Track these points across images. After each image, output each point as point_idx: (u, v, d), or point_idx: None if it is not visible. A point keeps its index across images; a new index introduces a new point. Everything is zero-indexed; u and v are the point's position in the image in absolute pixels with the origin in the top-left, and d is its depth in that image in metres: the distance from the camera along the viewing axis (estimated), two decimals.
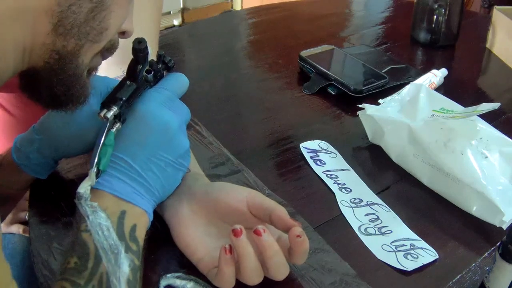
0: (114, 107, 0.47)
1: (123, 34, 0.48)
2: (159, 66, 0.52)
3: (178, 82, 0.53)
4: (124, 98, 0.47)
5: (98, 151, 0.46)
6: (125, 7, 0.45)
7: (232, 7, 3.20)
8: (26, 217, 0.85)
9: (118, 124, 0.47)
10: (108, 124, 0.47)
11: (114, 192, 0.45)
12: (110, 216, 0.44)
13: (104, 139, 0.46)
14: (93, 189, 0.45)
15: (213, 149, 0.68)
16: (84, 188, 0.44)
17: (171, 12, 2.92)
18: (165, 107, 0.49)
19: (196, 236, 0.49)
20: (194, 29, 1.23)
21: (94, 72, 0.48)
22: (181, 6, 2.96)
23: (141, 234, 0.46)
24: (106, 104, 0.47)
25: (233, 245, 0.45)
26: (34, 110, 0.57)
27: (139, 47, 0.49)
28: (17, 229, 0.84)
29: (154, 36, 0.74)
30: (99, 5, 0.41)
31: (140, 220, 0.46)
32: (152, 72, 0.51)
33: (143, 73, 0.50)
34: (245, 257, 0.45)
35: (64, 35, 0.40)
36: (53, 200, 0.59)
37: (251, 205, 0.49)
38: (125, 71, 0.51)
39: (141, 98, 0.50)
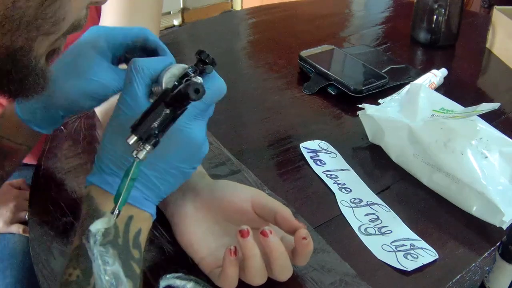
0: (147, 145, 0.40)
1: (95, 3, 0.43)
2: (199, 67, 0.45)
3: (215, 91, 0.46)
4: (158, 132, 0.41)
5: (124, 189, 0.40)
6: None
7: (232, 7, 3.20)
8: (26, 217, 0.85)
9: (149, 147, 0.41)
10: (135, 158, 0.40)
11: None
12: (117, 222, 0.41)
13: (132, 174, 0.40)
14: (103, 191, 0.43)
15: (213, 149, 0.68)
16: (97, 229, 0.40)
17: (171, 12, 2.92)
18: (195, 120, 0.45)
19: (199, 234, 0.49)
20: (194, 29, 1.23)
21: (56, 54, 0.43)
22: (181, 6, 2.96)
23: (144, 238, 0.45)
24: (138, 132, 0.40)
25: (239, 246, 0.44)
26: None
27: (196, 98, 0.39)
28: (17, 229, 0.84)
29: None
30: None
31: (145, 224, 0.45)
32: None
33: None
34: (251, 258, 0.44)
35: (11, 31, 0.36)
36: (53, 200, 0.59)
37: (256, 205, 0.49)
38: (189, 68, 0.45)
39: None
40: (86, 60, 0.49)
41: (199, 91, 0.39)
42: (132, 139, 0.40)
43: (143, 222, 0.45)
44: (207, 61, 0.45)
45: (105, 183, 0.43)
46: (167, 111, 0.41)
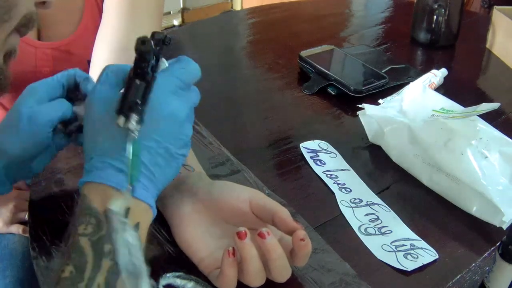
0: (134, 115, 0.42)
1: (43, 4, 0.44)
2: (157, 48, 0.47)
3: (187, 69, 0.48)
4: (139, 101, 0.43)
5: (130, 164, 0.42)
6: None
7: (232, 7, 3.19)
8: (26, 217, 0.85)
9: (136, 117, 0.43)
10: (130, 134, 0.42)
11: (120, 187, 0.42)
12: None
13: (133, 150, 0.42)
14: (96, 188, 0.42)
15: (213, 149, 0.68)
16: (118, 206, 0.40)
17: (171, 12, 2.92)
18: (174, 96, 0.46)
19: (197, 235, 0.49)
20: (194, 29, 1.23)
21: (13, 56, 0.44)
22: (181, 6, 2.96)
23: (143, 232, 0.43)
24: (122, 111, 0.42)
25: (237, 247, 0.44)
26: None
27: (145, 49, 0.43)
28: (17, 229, 0.84)
29: None
30: None
31: (144, 217, 0.44)
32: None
33: (149, 69, 0.46)
34: (249, 259, 0.44)
35: None
36: (53, 200, 0.59)
37: (254, 206, 0.49)
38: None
39: None
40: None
41: (145, 42, 0.42)
42: (120, 119, 0.42)
43: (141, 215, 0.43)
44: (165, 41, 0.47)
45: (98, 177, 0.42)
46: (138, 82, 0.43)
